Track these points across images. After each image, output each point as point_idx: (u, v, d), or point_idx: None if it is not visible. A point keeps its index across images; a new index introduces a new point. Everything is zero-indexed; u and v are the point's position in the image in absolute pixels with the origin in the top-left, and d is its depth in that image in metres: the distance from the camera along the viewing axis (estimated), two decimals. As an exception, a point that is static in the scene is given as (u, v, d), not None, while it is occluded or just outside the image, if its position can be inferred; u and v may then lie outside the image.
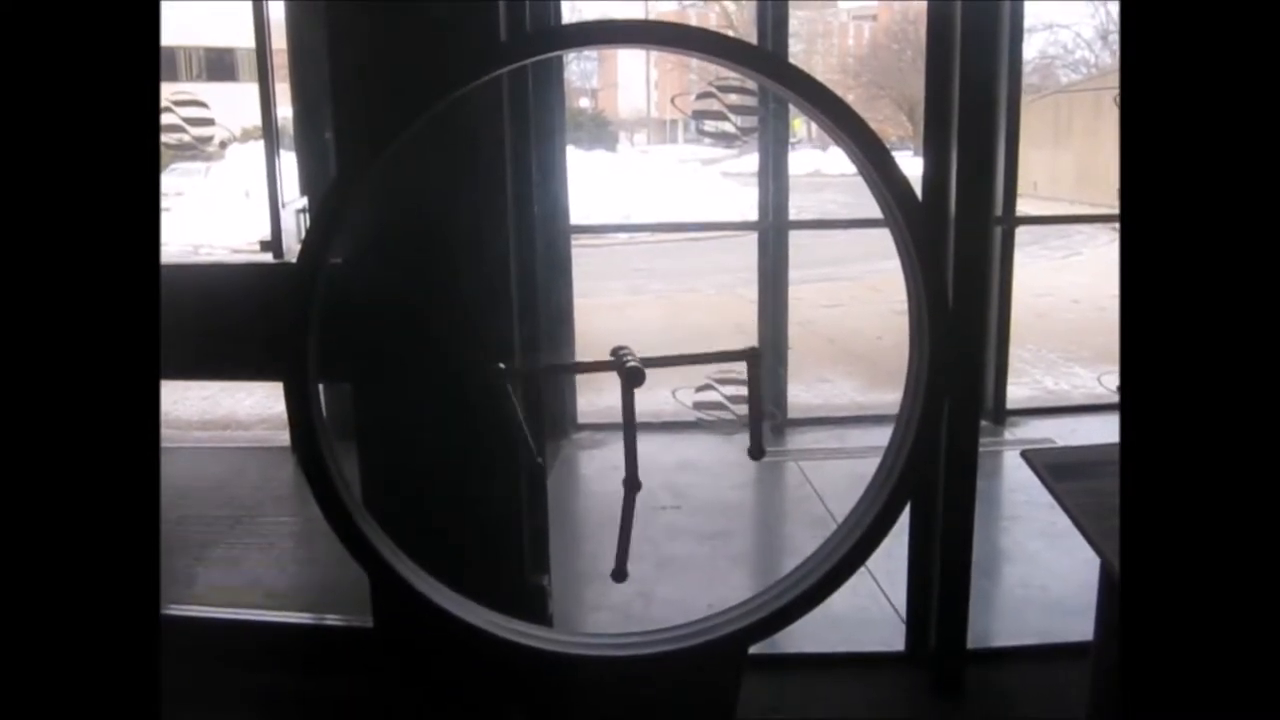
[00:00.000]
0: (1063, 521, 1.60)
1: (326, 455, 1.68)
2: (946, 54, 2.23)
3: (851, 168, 1.68)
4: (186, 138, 4.24)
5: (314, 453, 1.67)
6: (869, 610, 2.82)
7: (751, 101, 4.42)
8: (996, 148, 3.98)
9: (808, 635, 2.51)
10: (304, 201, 4.23)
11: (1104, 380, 5.50)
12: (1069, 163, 13.22)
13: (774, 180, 4.55)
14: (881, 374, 5.95)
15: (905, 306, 1.71)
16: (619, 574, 1.76)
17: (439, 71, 1.65)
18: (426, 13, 1.96)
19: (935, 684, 2.45)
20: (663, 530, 3.49)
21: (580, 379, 4.71)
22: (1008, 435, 4.59)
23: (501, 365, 1.82)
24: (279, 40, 4.17)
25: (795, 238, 4.69)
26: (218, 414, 5.43)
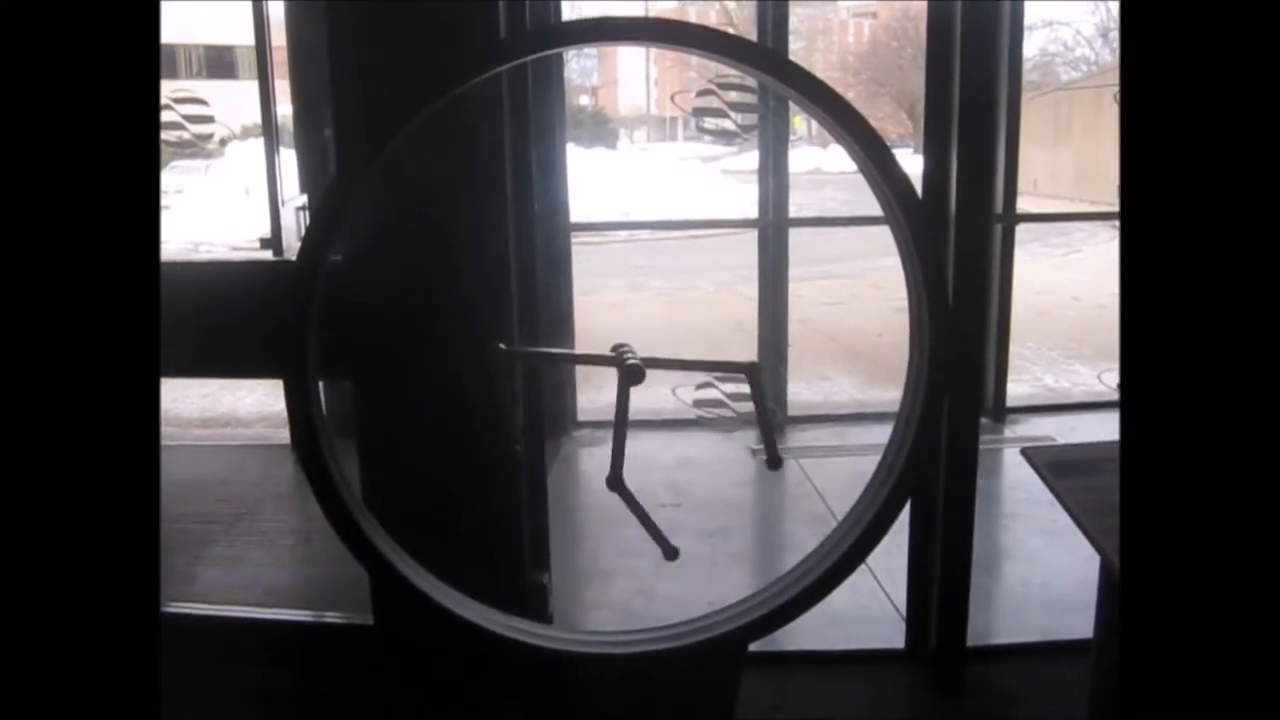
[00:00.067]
0: (1063, 519, 1.60)
1: (327, 453, 1.68)
2: (947, 51, 2.23)
3: (852, 165, 1.68)
4: (186, 135, 4.24)
5: (314, 450, 1.67)
6: (869, 608, 2.81)
7: (752, 99, 4.41)
8: (997, 145, 3.99)
9: (808, 633, 2.50)
10: (304, 199, 4.22)
11: (1104, 378, 5.50)
12: (1069, 160, 13.24)
13: (774, 177, 4.54)
14: (882, 371, 5.95)
15: (905, 304, 1.71)
16: (670, 553, 1.77)
17: (439, 69, 1.64)
18: (426, 11, 1.96)
19: (935, 682, 2.44)
20: (663, 527, 3.47)
21: (580, 377, 4.71)
22: (1008, 433, 4.58)
23: (501, 345, 1.82)
24: (279, 38, 4.16)
25: (795, 235, 4.68)
26: (218, 412, 5.43)
